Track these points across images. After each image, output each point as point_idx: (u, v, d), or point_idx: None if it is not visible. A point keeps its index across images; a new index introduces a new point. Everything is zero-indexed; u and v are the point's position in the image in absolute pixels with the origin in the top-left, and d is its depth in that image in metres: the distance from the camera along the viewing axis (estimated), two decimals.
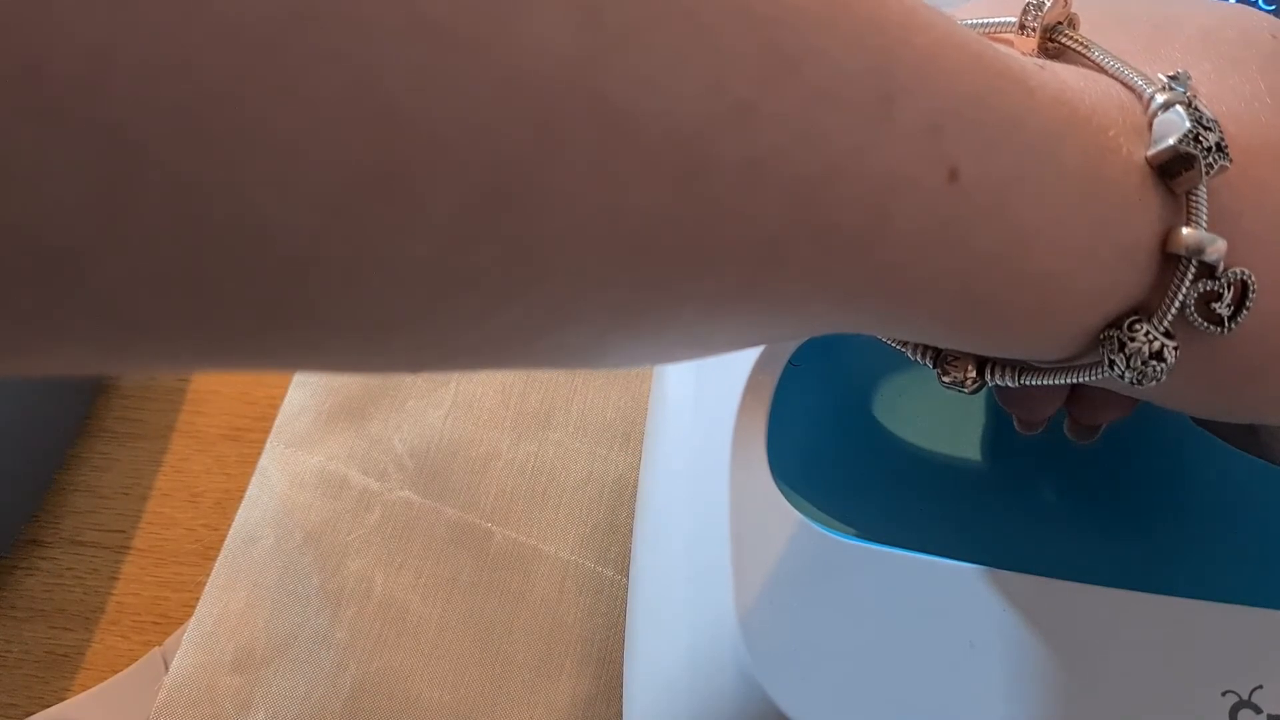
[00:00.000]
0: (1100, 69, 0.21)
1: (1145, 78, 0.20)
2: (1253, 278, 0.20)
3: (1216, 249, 0.19)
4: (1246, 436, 0.27)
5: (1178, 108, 0.19)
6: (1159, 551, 0.31)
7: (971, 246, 0.18)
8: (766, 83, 0.15)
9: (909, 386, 0.34)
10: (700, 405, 0.31)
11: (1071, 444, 0.29)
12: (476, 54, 0.12)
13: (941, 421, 0.34)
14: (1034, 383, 0.22)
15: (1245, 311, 0.20)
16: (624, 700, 0.32)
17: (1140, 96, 0.20)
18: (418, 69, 0.12)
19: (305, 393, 0.43)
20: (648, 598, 0.31)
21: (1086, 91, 0.19)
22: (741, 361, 0.30)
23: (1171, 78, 0.20)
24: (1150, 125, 0.19)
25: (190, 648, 0.38)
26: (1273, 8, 0.33)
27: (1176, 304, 0.19)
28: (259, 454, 0.42)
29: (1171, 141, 0.19)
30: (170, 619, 0.41)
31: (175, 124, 0.11)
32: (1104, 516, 0.32)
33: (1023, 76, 0.18)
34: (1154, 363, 0.20)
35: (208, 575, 0.40)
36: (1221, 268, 0.19)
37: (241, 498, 0.41)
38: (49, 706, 0.39)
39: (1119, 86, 0.20)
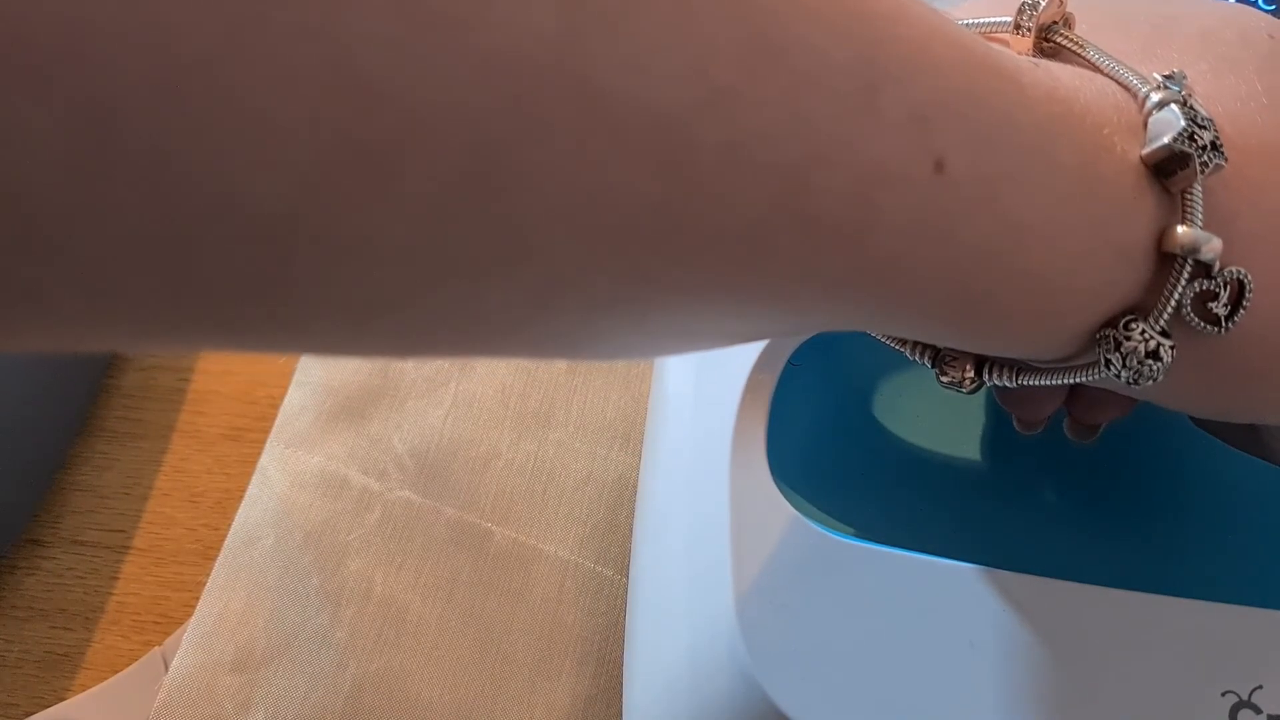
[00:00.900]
0: (1096, 68, 0.21)
1: (1140, 77, 0.20)
2: (1249, 277, 0.20)
3: (1212, 248, 0.19)
4: (1246, 436, 0.27)
5: (1173, 106, 0.19)
6: (1159, 551, 0.31)
7: (961, 240, 0.18)
8: (749, 69, 0.15)
9: (909, 386, 0.34)
10: (700, 405, 0.31)
11: (1071, 444, 0.29)
12: (455, 32, 0.12)
13: (941, 421, 0.34)
14: (1032, 383, 0.22)
15: (1242, 311, 0.20)
16: (624, 700, 0.32)
17: (1135, 96, 0.20)
18: (395, 46, 0.12)
19: (305, 393, 0.43)
20: (648, 598, 0.31)
21: (1081, 90, 0.19)
22: (741, 361, 0.30)
23: (1167, 77, 0.20)
24: (1145, 124, 0.19)
25: (190, 648, 0.38)
26: (1272, 8, 0.33)
27: (1173, 303, 0.19)
28: (259, 454, 0.42)
29: (1166, 140, 0.19)
30: (170, 619, 0.41)
31: (151, 96, 0.11)
32: (1104, 516, 0.32)
33: (1015, 73, 0.18)
34: (1150, 362, 0.20)
35: (208, 575, 0.40)
36: (1218, 267, 0.19)
37: (241, 498, 0.41)
38: (49, 706, 0.39)
39: (1115, 86, 0.20)
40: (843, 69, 0.16)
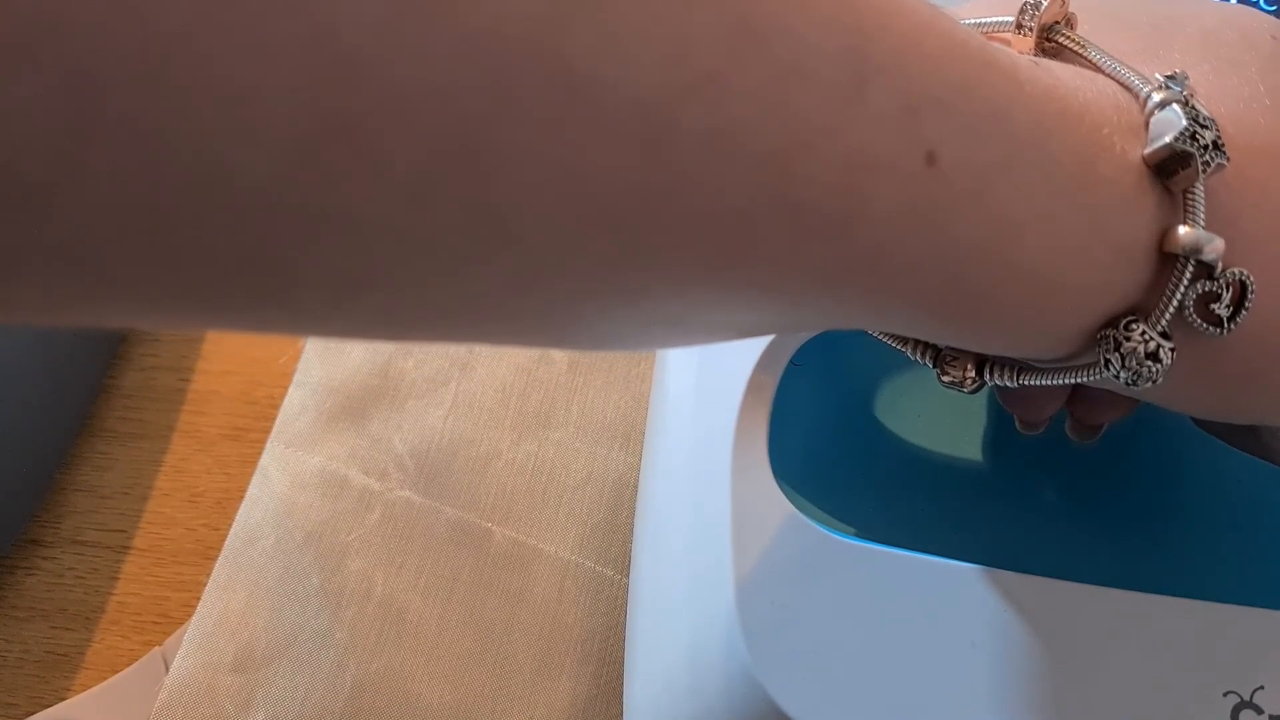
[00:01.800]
0: (1097, 68, 0.20)
1: (1142, 77, 0.20)
2: (1251, 278, 0.20)
3: (1214, 248, 0.19)
4: (1246, 436, 0.27)
5: (1174, 106, 0.19)
6: (1159, 551, 0.31)
7: (952, 234, 0.18)
8: (733, 56, 0.15)
9: (910, 386, 0.34)
10: (701, 405, 0.31)
11: (1072, 444, 0.29)
12: (438, 11, 0.12)
13: (942, 422, 0.34)
14: (1033, 383, 0.22)
15: (1244, 312, 0.20)
16: (624, 700, 0.32)
17: (1137, 96, 0.20)
18: (377, 23, 0.12)
19: (305, 393, 0.43)
20: (648, 598, 0.31)
21: (1081, 89, 0.19)
22: (743, 361, 0.30)
23: (1169, 77, 0.20)
24: (1147, 124, 0.19)
25: (190, 648, 0.38)
26: (1274, 9, 0.33)
27: (1174, 304, 0.19)
28: (259, 454, 0.42)
29: (1168, 139, 0.19)
30: (170, 619, 0.41)
31: (135, 68, 0.11)
32: (1104, 516, 0.32)
33: (1012, 70, 0.18)
34: (1150, 363, 0.20)
35: (208, 575, 0.40)
36: (1220, 268, 0.19)
37: (242, 498, 0.41)
38: (49, 706, 0.39)
39: (1116, 86, 0.20)
40: (829, 58, 0.16)
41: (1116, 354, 0.20)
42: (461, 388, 0.43)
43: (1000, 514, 0.32)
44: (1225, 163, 0.19)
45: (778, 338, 0.30)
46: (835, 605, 0.27)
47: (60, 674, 0.40)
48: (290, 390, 0.43)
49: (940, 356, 0.23)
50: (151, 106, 0.11)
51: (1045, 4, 0.21)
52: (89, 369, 0.45)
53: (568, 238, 0.15)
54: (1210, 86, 0.21)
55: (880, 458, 0.34)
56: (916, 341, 0.23)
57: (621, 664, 0.37)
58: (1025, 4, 0.21)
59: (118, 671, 0.40)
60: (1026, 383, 0.22)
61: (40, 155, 0.11)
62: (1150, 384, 0.20)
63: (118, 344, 0.47)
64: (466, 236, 0.14)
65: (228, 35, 0.11)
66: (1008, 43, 0.22)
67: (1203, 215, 0.19)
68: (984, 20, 0.22)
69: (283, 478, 0.41)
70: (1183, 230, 0.19)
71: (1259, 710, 0.24)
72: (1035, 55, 0.21)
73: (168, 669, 0.39)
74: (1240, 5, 0.24)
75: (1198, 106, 0.19)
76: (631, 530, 0.35)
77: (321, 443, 0.42)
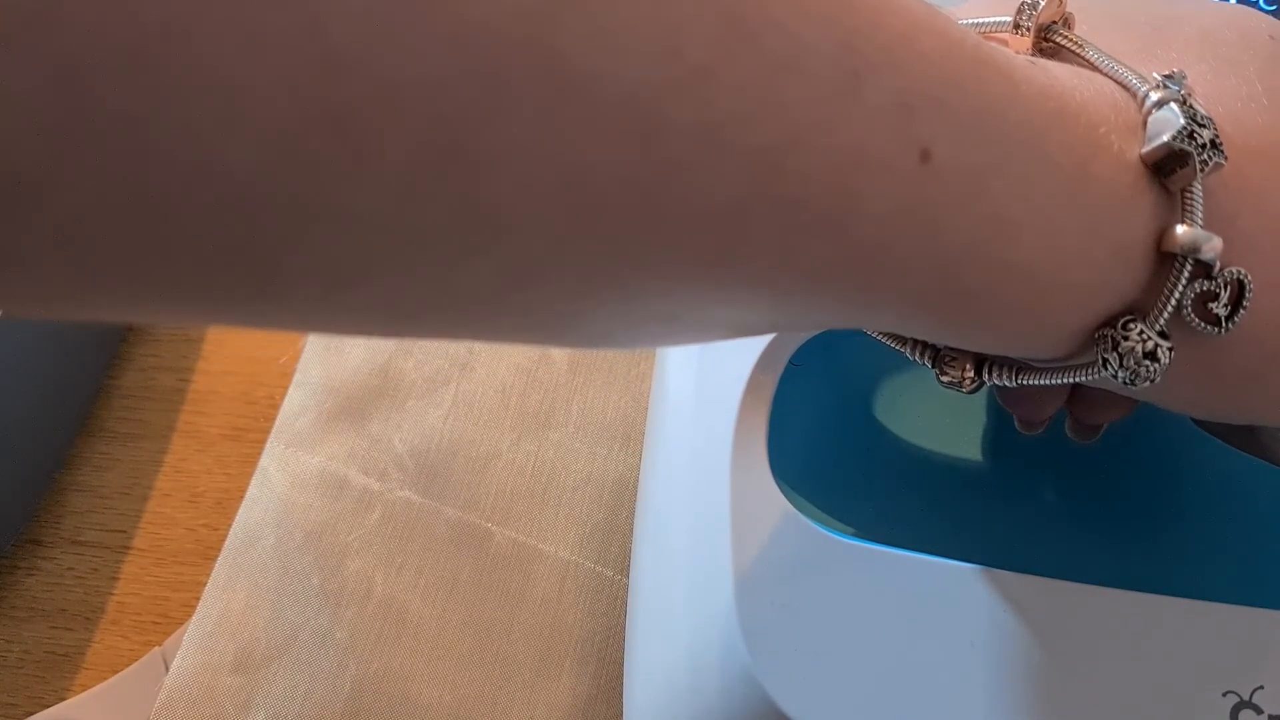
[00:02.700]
0: (1095, 68, 0.20)
1: (1140, 76, 0.20)
2: (1249, 277, 0.20)
3: (1212, 247, 0.19)
4: (1246, 436, 0.27)
5: (1172, 105, 0.19)
6: (1159, 551, 0.31)
7: (947, 232, 0.18)
8: (725, 50, 0.15)
9: (910, 386, 0.34)
10: (701, 405, 0.31)
11: (1071, 444, 0.29)
12: (427, 4, 0.12)
13: (942, 421, 0.34)
14: (1031, 382, 0.22)
15: (1242, 312, 0.20)
16: (624, 700, 0.32)
17: (1135, 95, 0.20)
18: (366, 16, 0.12)
19: (305, 393, 0.43)
20: (648, 598, 0.31)
21: (1078, 89, 0.19)
22: (742, 361, 0.30)
23: (1167, 77, 0.20)
24: (1144, 123, 0.19)
25: (190, 648, 0.38)
26: (1273, 9, 0.33)
27: (1172, 303, 0.19)
28: (259, 454, 0.42)
29: (1165, 138, 0.19)
30: (170, 619, 0.41)
31: (124, 61, 0.11)
32: (1104, 516, 0.32)
33: (1007, 69, 0.18)
34: (1147, 363, 0.20)
35: (208, 575, 0.40)
36: (1218, 267, 0.19)
37: (242, 498, 0.41)
38: (49, 706, 0.39)
39: (1113, 85, 0.20)
40: (822, 54, 0.16)
41: (1114, 353, 0.20)
42: (461, 388, 0.43)
43: (1000, 514, 0.32)
44: (1223, 162, 0.19)
45: (777, 338, 0.30)
46: (835, 605, 0.27)
47: (60, 674, 0.40)
48: (290, 390, 0.43)
49: (939, 356, 0.23)
50: (140, 98, 0.11)
51: (1043, 4, 0.21)
52: (89, 369, 0.45)
53: (558, 231, 0.15)
54: (1208, 86, 0.21)
55: (880, 458, 0.34)
56: (915, 341, 0.23)
57: (621, 664, 0.37)
58: (1023, 4, 0.21)
59: (118, 672, 0.40)
60: (1025, 382, 0.22)
61: (30, 146, 0.11)
62: (1148, 383, 0.20)
63: (118, 344, 0.47)
64: (457, 229, 0.14)
65: (216, 27, 0.11)
66: (1005, 42, 0.22)
67: (1201, 214, 0.19)
68: (981, 20, 0.22)
69: (283, 478, 0.41)
70: (1181, 229, 0.19)
71: (1259, 710, 0.24)
72: (1033, 55, 0.21)
73: (168, 669, 0.39)
74: (1239, 5, 0.24)
75: (1195, 106, 0.19)
76: (631, 530, 0.35)
77: (321, 443, 0.42)
